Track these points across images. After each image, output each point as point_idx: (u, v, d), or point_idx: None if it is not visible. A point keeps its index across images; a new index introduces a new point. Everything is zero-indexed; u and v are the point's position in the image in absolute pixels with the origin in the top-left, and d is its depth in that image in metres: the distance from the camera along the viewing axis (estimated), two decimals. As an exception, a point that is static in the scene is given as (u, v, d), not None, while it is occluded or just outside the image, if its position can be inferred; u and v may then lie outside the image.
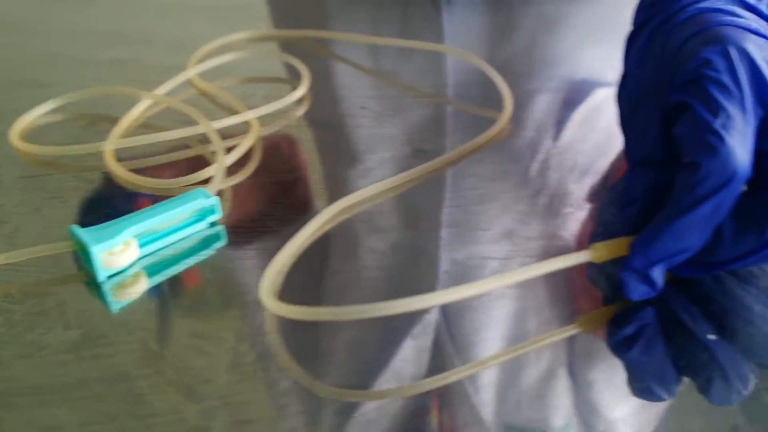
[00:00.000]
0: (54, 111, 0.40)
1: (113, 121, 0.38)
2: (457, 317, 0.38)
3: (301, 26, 0.50)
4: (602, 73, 0.45)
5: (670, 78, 0.28)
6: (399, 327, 0.38)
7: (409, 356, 0.30)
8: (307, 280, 0.31)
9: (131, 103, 0.39)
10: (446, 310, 0.44)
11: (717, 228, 0.25)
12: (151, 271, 0.29)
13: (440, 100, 0.43)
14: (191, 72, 0.40)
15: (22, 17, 0.57)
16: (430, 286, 0.40)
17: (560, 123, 0.42)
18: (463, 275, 0.35)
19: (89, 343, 0.26)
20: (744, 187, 0.26)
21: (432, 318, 0.38)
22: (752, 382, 0.24)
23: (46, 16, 0.58)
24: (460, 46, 0.47)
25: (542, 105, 0.43)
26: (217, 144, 0.34)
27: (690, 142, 0.25)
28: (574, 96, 0.44)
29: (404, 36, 0.47)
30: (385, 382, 0.29)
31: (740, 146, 0.24)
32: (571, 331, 0.28)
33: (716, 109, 0.25)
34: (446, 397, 0.38)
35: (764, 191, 0.25)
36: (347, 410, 0.27)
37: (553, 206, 0.35)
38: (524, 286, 0.30)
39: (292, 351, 0.27)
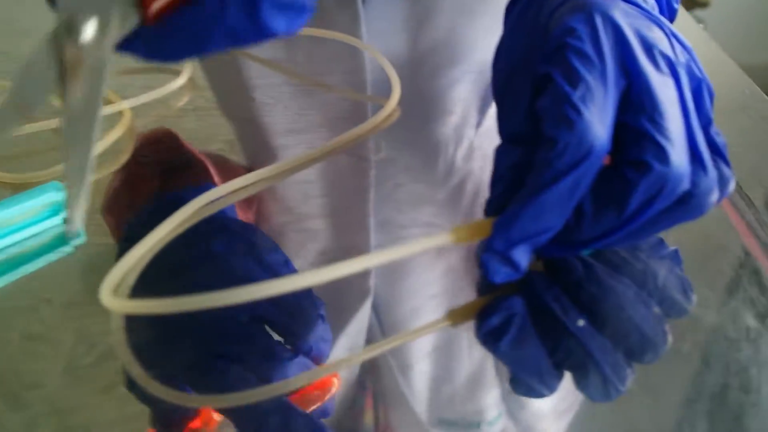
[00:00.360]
0: None
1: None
2: (388, 313, 0.37)
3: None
4: None
5: (540, 47, 0.27)
6: (331, 325, 0.37)
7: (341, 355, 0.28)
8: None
9: (-1, 95, 0.37)
10: (378, 307, 0.43)
11: (579, 205, 0.24)
12: (-3, 270, 0.27)
13: (335, 89, 0.42)
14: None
15: None
16: (361, 284, 0.40)
17: (482, 109, 0.41)
18: (392, 269, 0.33)
19: None
20: (607, 160, 0.25)
21: (364, 316, 0.38)
22: (630, 377, 0.24)
23: None
24: (380, 35, 0.45)
25: (464, 92, 0.42)
26: (81, 136, 0.32)
27: (549, 116, 0.24)
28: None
29: (319, 24, 0.45)
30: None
31: (598, 120, 0.23)
32: (441, 324, 0.26)
33: (576, 80, 0.24)
34: (380, 394, 0.38)
35: (625, 166, 0.24)
36: None
37: (479, 194, 0.35)
38: (456, 279, 0.29)
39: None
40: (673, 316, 0.26)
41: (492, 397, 0.42)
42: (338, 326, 0.44)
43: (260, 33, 0.21)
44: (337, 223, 0.40)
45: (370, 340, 0.44)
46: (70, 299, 0.27)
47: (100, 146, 0.33)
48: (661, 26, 0.26)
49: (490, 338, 0.25)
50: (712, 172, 0.24)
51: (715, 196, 0.24)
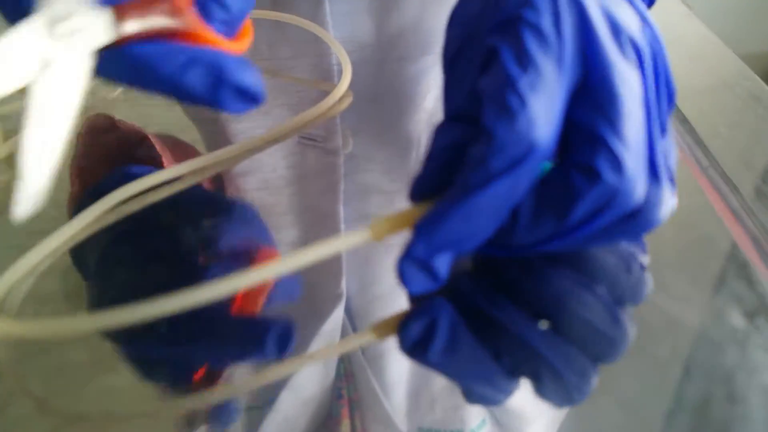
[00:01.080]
0: None
1: None
2: (362, 317, 0.36)
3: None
4: None
5: (492, 16, 0.23)
6: (303, 333, 0.35)
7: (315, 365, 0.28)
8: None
9: None
10: (351, 311, 0.41)
11: (515, 206, 0.21)
12: None
13: (284, 77, 0.39)
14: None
15: None
16: (333, 289, 0.37)
17: None
18: (363, 273, 0.33)
19: None
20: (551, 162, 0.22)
21: (337, 320, 0.36)
22: (593, 377, 0.21)
23: None
24: (345, 18, 0.43)
25: (437, 80, 0.40)
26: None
27: (489, 101, 0.21)
28: None
29: (281, 6, 0.43)
30: (288, 393, 0.27)
31: (545, 114, 0.20)
32: (365, 337, 0.24)
33: (526, 62, 0.20)
34: (357, 403, 0.35)
35: (572, 169, 0.21)
36: (250, 428, 0.25)
37: None
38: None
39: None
40: (627, 301, 0.23)
41: (473, 406, 0.40)
42: (311, 331, 0.41)
43: (214, 105, 0.21)
44: (308, 219, 0.39)
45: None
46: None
47: (12, 144, 0.30)
48: (632, 3, 0.23)
49: (416, 349, 0.22)
50: (666, 185, 0.21)
51: (667, 211, 0.21)
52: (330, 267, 0.35)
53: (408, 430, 0.41)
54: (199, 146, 0.38)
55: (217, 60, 0.20)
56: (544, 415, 0.39)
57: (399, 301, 0.30)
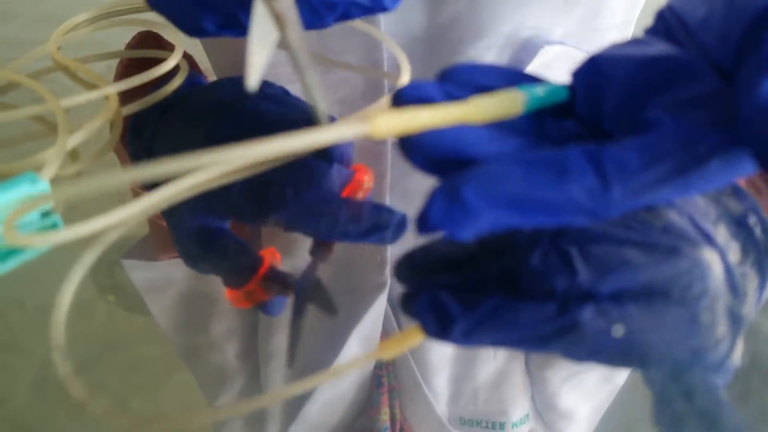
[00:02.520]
0: None
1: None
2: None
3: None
4: (549, 30, 0.41)
5: None
6: (345, 323, 0.35)
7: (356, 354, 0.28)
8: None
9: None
10: (394, 300, 0.41)
11: None
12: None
13: (342, 65, 0.39)
14: (51, 46, 0.35)
15: None
16: (377, 277, 0.38)
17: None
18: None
19: None
20: None
21: (380, 308, 0.37)
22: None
23: None
24: (396, 9, 0.43)
25: None
26: (61, 123, 0.30)
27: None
28: (520, 57, 0.40)
29: None
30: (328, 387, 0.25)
31: None
32: (373, 357, 0.23)
33: None
34: (397, 392, 0.36)
35: None
36: (289, 414, 0.26)
37: None
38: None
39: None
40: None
41: (519, 398, 0.39)
42: (353, 318, 0.41)
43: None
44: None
45: (386, 333, 0.42)
46: (46, 302, 0.24)
47: (81, 135, 0.30)
48: None
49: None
50: None
51: None
52: (374, 255, 0.35)
53: (449, 420, 0.40)
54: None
55: None
56: (588, 415, 0.38)
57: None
